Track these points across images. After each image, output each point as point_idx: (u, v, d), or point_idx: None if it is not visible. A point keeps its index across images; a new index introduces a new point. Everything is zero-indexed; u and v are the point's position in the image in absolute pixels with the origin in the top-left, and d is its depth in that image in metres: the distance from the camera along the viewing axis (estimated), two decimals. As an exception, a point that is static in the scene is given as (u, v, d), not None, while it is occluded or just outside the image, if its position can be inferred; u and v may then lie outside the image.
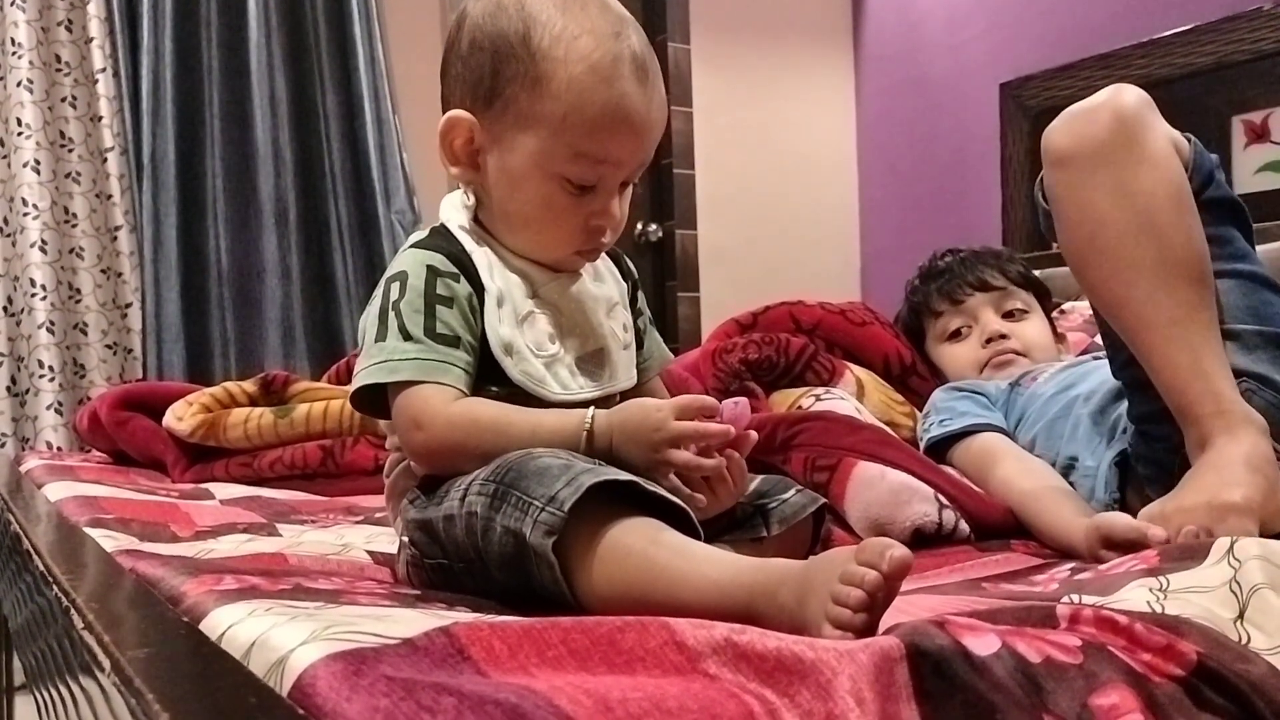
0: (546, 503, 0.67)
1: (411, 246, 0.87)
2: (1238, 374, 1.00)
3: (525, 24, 0.83)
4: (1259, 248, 1.71)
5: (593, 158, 0.84)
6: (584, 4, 0.84)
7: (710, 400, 0.79)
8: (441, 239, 0.87)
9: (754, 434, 0.81)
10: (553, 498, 0.67)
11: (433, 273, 0.83)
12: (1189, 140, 1.08)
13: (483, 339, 0.83)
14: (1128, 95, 1.05)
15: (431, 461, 0.82)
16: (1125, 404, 1.14)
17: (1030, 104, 2.81)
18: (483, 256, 0.86)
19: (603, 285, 0.94)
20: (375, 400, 0.84)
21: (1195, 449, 0.96)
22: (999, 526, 1.14)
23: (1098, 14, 2.74)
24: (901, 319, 1.79)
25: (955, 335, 1.66)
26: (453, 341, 0.81)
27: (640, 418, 0.78)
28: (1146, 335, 1.01)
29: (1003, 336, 1.59)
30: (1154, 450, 1.07)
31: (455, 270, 0.84)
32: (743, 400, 0.80)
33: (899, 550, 0.57)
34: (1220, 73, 2.40)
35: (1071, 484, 1.19)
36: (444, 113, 0.88)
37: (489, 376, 0.83)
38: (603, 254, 0.94)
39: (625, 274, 0.99)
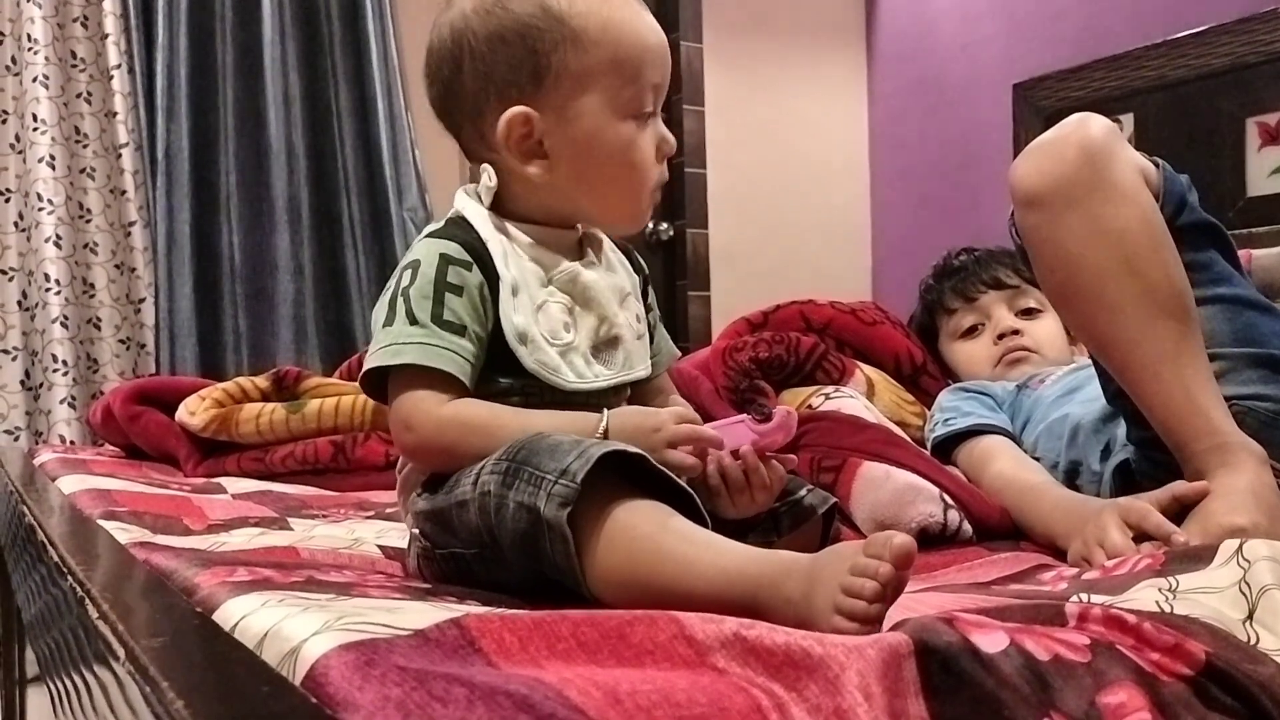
0: (559, 475, 0.68)
1: (428, 236, 0.87)
2: (1229, 399, 0.99)
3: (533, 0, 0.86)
4: (1271, 250, 1.71)
5: (644, 83, 0.88)
6: None
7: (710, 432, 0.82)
8: (458, 228, 0.88)
9: (793, 458, 0.85)
10: (565, 470, 0.68)
11: (445, 260, 0.83)
12: (1157, 164, 1.06)
13: (496, 329, 0.83)
14: (1093, 126, 1.03)
15: (422, 461, 0.84)
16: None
17: (1044, 105, 2.80)
18: (498, 245, 0.86)
19: (614, 275, 0.94)
20: (384, 386, 0.84)
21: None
22: (997, 528, 1.14)
23: (1111, 15, 2.73)
24: (916, 318, 1.79)
25: (968, 333, 1.66)
26: (458, 330, 0.82)
27: (640, 417, 0.81)
28: (1136, 374, 1.01)
29: (1015, 333, 1.59)
30: (1156, 471, 1.06)
31: (469, 259, 0.84)
32: (791, 411, 0.83)
33: (900, 538, 0.58)
34: (1235, 74, 2.38)
35: (1077, 488, 1.19)
36: (461, 147, 0.92)
37: (502, 367, 0.84)
38: (614, 247, 0.95)
39: (637, 268, 0.99)
